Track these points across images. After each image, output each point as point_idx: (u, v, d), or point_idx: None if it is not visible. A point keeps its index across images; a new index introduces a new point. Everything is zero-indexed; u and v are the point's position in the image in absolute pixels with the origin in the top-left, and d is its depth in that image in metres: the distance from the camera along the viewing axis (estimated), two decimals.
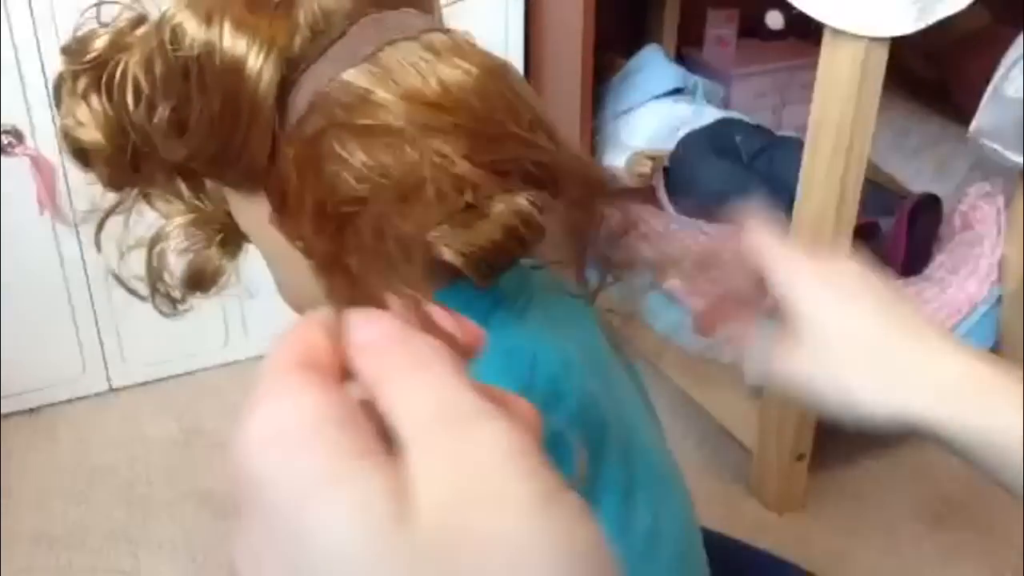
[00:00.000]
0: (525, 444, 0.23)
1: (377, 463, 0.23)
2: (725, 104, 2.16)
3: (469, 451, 0.23)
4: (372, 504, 0.23)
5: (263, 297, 2.18)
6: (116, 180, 0.62)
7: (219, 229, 0.65)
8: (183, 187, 0.63)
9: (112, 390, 1.91)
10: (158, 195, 0.63)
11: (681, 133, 1.93)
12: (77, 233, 1.75)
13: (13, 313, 1.74)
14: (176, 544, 1.57)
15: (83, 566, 1.53)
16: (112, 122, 0.57)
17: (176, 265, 0.67)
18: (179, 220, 0.64)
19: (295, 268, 0.58)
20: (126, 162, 0.59)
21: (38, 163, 1.66)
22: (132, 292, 0.68)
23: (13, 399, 1.82)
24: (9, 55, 1.58)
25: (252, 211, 0.58)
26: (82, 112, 0.58)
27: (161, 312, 0.69)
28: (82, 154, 0.61)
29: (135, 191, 0.63)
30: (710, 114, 2.00)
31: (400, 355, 0.26)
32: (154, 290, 0.68)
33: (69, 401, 1.87)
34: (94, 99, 0.57)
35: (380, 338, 0.26)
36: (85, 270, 1.78)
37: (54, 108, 1.80)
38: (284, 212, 0.54)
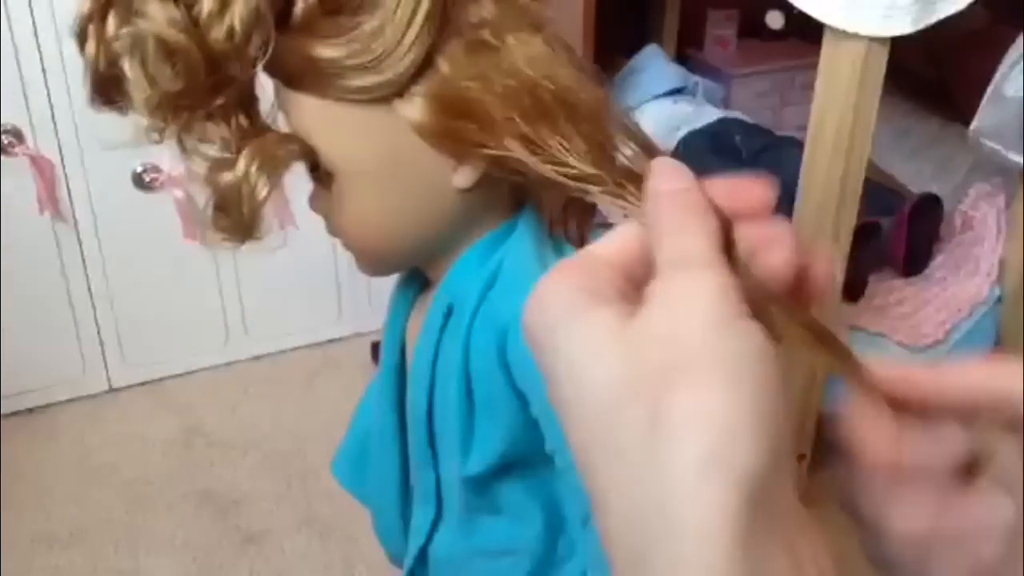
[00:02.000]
0: (721, 290, 0.29)
1: (614, 307, 0.30)
2: (725, 104, 2.17)
3: (681, 285, 0.29)
4: (601, 326, 0.29)
5: (263, 297, 2.19)
6: (185, 95, 0.54)
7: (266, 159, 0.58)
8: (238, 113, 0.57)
9: (112, 390, 1.91)
10: (201, 123, 0.57)
11: (681, 133, 1.93)
12: (77, 233, 1.75)
13: (13, 313, 1.74)
14: (176, 544, 1.57)
15: (83, 566, 1.53)
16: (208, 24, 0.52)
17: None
18: (246, 150, 0.57)
19: (399, 189, 0.58)
20: (203, 72, 0.53)
21: (38, 163, 1.66)
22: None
23: (13, 399, 1.82)
24: (9, 55, 1.58)
25: (372, 124, 0.57)
26: (155, 7, 0.51)
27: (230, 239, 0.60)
28: (156, 60, 0.52)
29: (184, 117, 0.56)
30: (710, 114, 2.00)
31: (683, 207, 0.32)
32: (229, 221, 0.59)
33: (69, 401, 1.87)
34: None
35: (677, 189, 0.32)
36: (85, 270, 1.78)
37: (54, 108, 1.80)
38: (452, 117, 0.54)
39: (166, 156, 1.68)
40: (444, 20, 0.53)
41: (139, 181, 1.74)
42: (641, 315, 0.29)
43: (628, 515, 0.28)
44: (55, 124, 1.65)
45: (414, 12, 0.52)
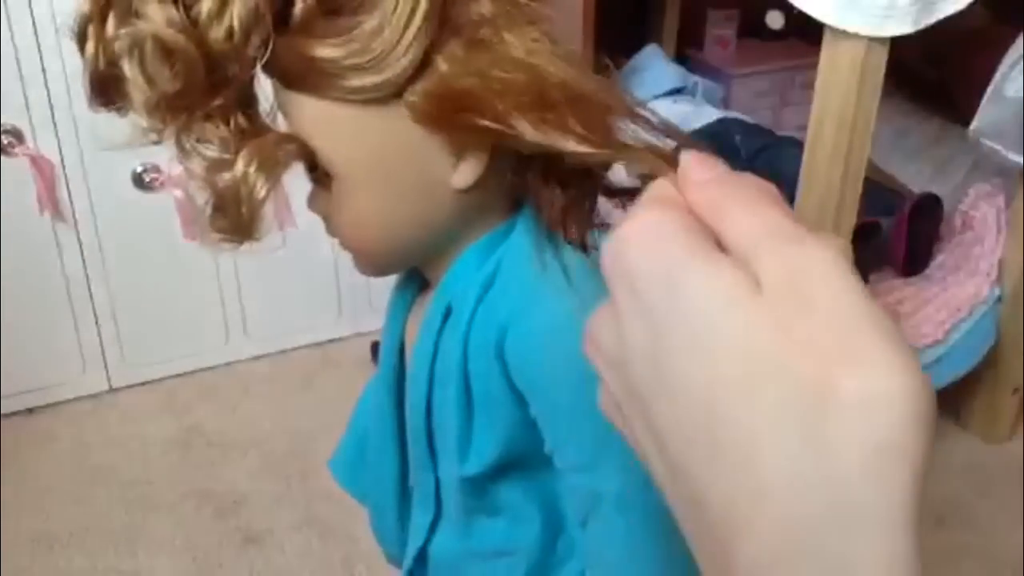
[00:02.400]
0: (846, 259, 0.28)
1: (727, 260, 0.28)
2: (725, 104, 2.17)
3: (804, 258, 0.27)
4: (731, 275, 0.27)
5: (263, 297, 2.19)
6: (183, 96, 0.54)
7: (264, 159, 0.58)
8: (236, 113, 0.57)
9: (112, 390, 1.91)
10: (200, 123, 0.56)
11: None
12: (77, 233, 1.75)
13: (13, 313, 1.74)
14: (176, 544, 1.57)
15: (83, 566, 1.53)
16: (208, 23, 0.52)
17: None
18: (243, 149, 0.56)
19: (398, 190, 0.58)
20: (202, 72, 0.53)
21: (38, 163, 1.66)
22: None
23: (13, 399, 1.82)
24: (9, 55, 1.58)
25: (371, 124, 0.57)
26: (154, 8, 0.51)
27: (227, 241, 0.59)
28: (154, 61, 0.52)
29: (183, 117, 0.55)
30: (710, 114, 2.00)
31: (736, 188, 0.31)
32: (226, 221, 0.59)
33: (69, 401, 1.87)
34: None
35: (716, 176, 0.31)
36: (85, 270, 1.78)
37: (54, 108, 1.80)
38: (460, 109, 0.54)
39: (166, 156, 1.68)
40: (443, 19, 0.53)
41: (139, 181, 1.74)
42: (774, 284, 0.27)
43: (781, 490, 0.26)
44: (55, 124, 1.65)
45: (413, 11, 0.52)
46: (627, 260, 0.29)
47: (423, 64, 0.54)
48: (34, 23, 1.57)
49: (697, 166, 0.32)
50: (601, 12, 1.73)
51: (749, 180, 0.31)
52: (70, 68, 1.59)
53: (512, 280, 0.61)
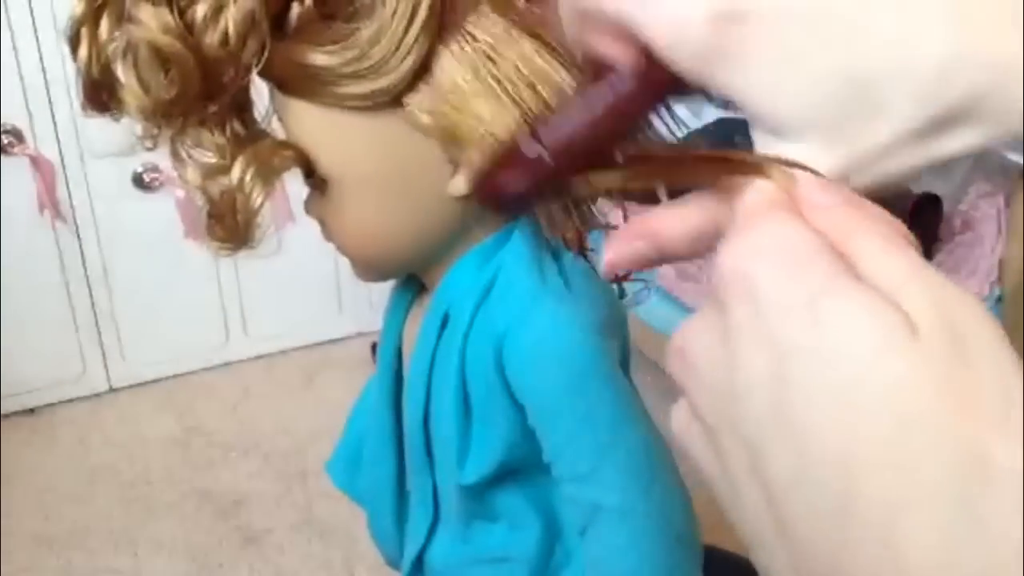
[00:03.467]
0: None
1: (876, 296, 0.25)
2: (725, 104, 2.16)
3: (960, 303, 0.24)
4: (887, 313, 0.24)
5: (263, 297, 2.18)
6: (178, 101, 0.53)
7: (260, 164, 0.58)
8: (232, 119, 0.57)
9: (112, 390, 1.91)
10: (195, 128, 0.56)
11: (681, 133, 1.93)
12: (77, 233, 1.75)
13: (13, 313, 1.74)
14: (176, 544, 1.57)
15: (83, 566, 1.53)
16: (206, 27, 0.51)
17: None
18: (240, 155, 0.56)
19: (395, 196, 0.58)
20: (197, 79, 0.52)
21: (38, 163, 1.66)
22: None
23: (13, 399, 1.82)
24: (9, 55, 1.58)
25: (368, 130, 0.56)
26: (148, 13, 0.50)
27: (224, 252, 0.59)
28: (149, 67, 0.51)
29: (178, 123, 0.55)
30: (710, 114, 2.00)
31: (870, 219, 0.27)
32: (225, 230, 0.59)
33: (69, 401, 1.87)
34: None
35: (845, 200, 0.28)
36: (85, 270, 1.79)
37: (54, 108, 1.80)
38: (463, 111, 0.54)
39: (166, 156, 1.68)
40: (440, 26, 0.53)
41: (139, 181, 1.74)
42: (932, 329, 0.24)
43: (929, 574, 0.22)
44: (55, 124, 1.65)
45: (411, 19, 0.52)
46: (756, 277, 0.25)
47: (421, 71, 0.54)
48: (34, 23, 1.57)
49: (822, 188, 0.28)
50: None
51: (880, 212, 0.28)
52: (70, 69, 1.59)
53: (511, 287, 0.61)
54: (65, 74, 1.60)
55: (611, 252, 0.33)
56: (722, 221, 0.30)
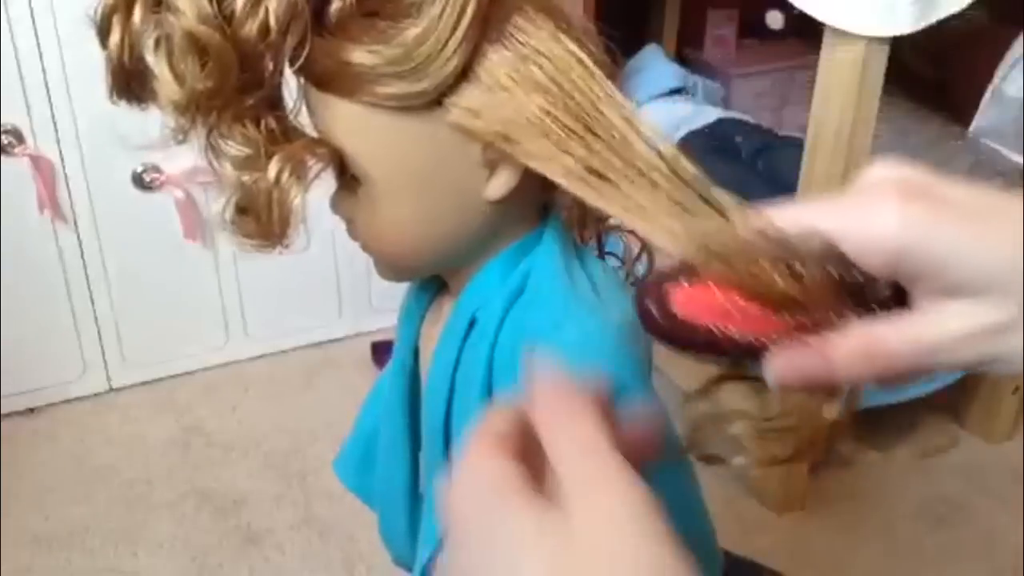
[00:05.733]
0: (643, 510, 0.33)
1: (538, 505, 0.34)
2: (725, 104, 2.17)
3: (606, 508, 0.33)
4: (539, 523, 0.33)
5: (263, 297, 2.18)
6: (214, 94, 0.51)
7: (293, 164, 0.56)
8: (267, 115, 0.55)
9: (112, 390, 1.91)
10: (228, 125, 0.54)
11: (681, 133, 1.93)
12: (77, 233, 1.75)
13: (13, 313, 1.74)
14: (176, 544, 1.57)
15: (83, 566, 1.53)
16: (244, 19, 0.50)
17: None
18: (277, 153, 0.54)
19: (429, 199, 0.57)
20: (235, 71, 0.50)
21: (38, 163, 1.66)
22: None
23: (13, 399, 1.82)
24: (9, 55, 1.58)
25: (405, 131, 0.55)
26: (185, 1, 0.49)
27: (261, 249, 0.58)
28: (185, 57, 0.50)
29: (212, 117, 0.53)
30: (710, 114, 2.00)
31: (560, 417, 0.37)
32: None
33: (69, 401, 1.87)
34: None
35: (546, 398, 0.37)
36: (85, 270, 1.79)
37: (54, 108, 1.79)
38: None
39: (166, 156, 1.68)
40: (485, 28, 0.52)
41: (139, 181, 1.74)
42: (580, 527, 0.33)
43: None
44: (55, 124, 1.65)
45: (458, 20, 0.51)
46: (454, 507, 0.36)
47: (463, 74, 0.52)
48: (34, 23, 1.57)
49: (540, 386, 0.38)
50: (601, 12, 1.73)
51: (587, 418, 0.37)
52: (71, 69, 1.59)
53: (541, 293, 0.60)
54: (65, 74, 1.60)
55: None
56: None
